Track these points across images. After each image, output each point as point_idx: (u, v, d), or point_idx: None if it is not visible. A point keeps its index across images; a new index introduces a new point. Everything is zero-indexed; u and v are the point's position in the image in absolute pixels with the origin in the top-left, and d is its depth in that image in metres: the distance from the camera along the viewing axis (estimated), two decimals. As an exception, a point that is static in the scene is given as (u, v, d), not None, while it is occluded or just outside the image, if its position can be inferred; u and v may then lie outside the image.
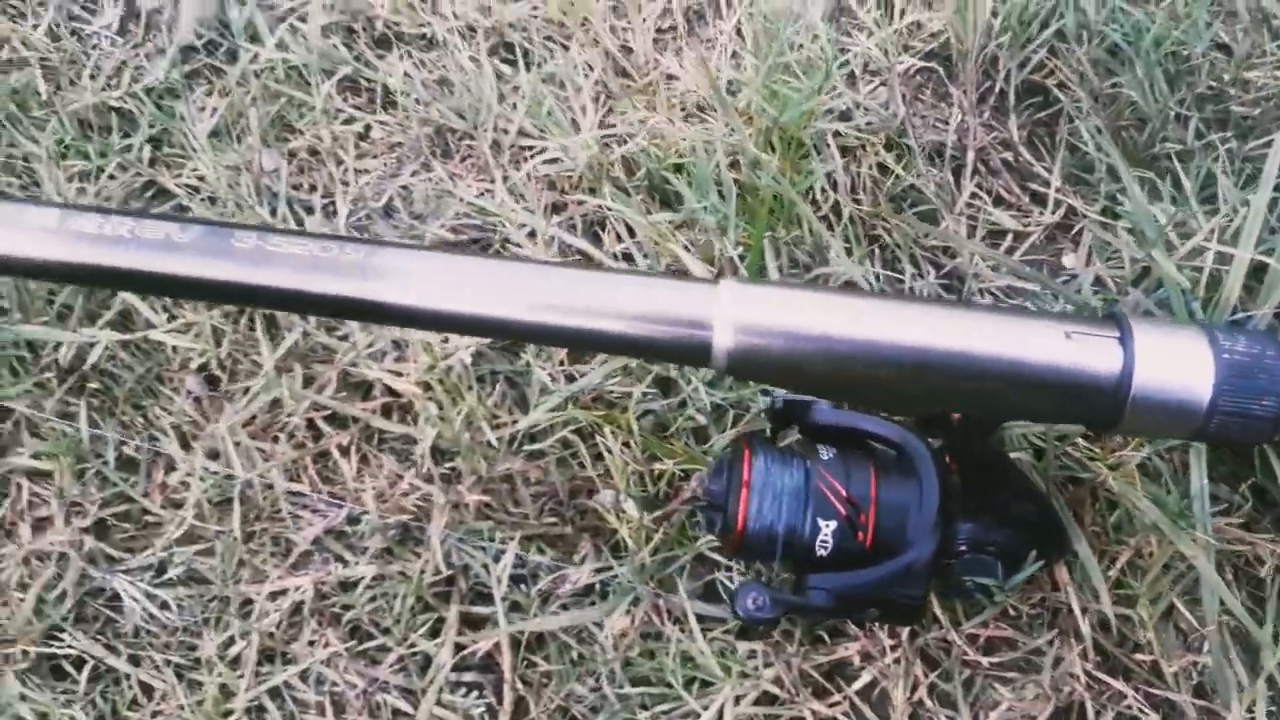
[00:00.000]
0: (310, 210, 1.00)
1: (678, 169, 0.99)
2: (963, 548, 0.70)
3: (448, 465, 0.89)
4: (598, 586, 0.84)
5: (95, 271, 0.59)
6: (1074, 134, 1.03)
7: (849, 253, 0.94)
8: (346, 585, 0.85)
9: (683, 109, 1.04)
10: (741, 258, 0.93)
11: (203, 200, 1.01)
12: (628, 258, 0.97)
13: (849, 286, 0.92)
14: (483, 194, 1.01)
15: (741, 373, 0.57)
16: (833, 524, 0.67)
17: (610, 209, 0.97)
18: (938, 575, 0.68)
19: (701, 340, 0.56)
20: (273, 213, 0.99)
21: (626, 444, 0.86)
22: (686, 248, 0.93)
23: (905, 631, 0.79)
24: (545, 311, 0.56)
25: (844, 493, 0.68)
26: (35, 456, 0.89)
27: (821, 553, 0.67)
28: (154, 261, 0.58)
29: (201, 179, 1.01)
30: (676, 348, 0.57)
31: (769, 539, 0.68)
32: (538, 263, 0.57)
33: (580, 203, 0.99)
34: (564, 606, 0.84)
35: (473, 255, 0.58)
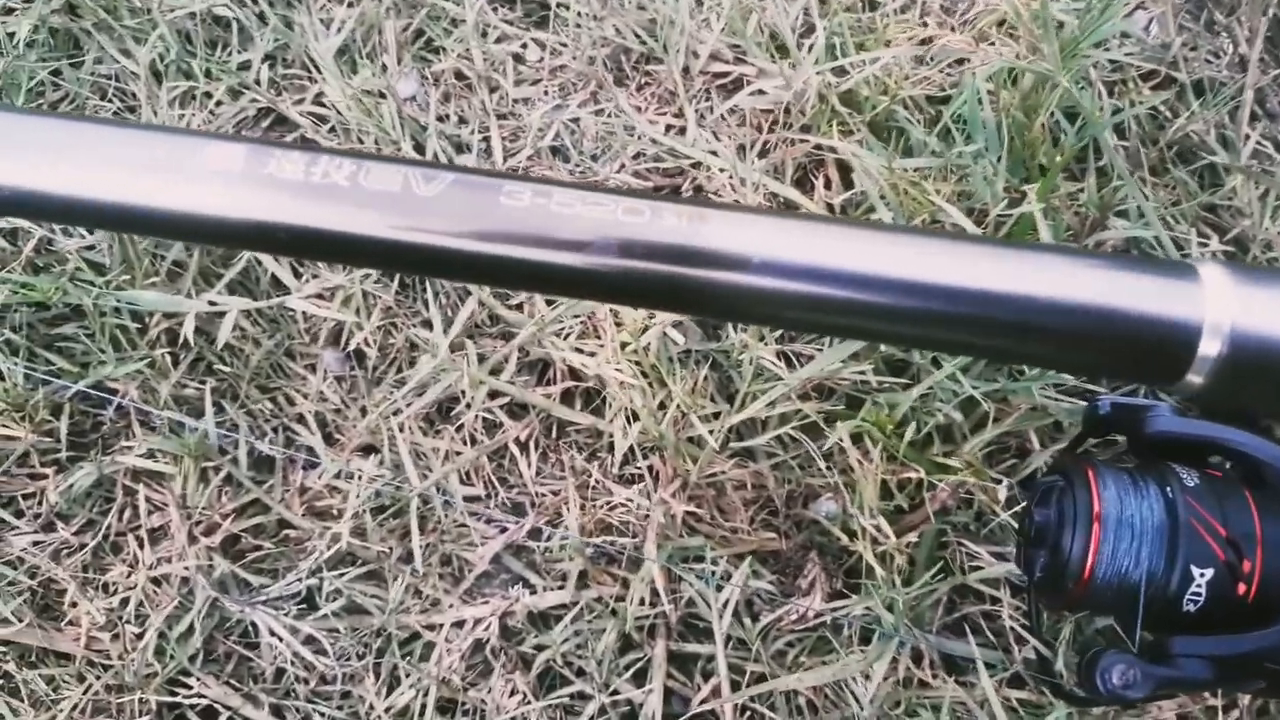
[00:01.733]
0: (463, 148, 0.82)
1: (900, 103, 0.81)
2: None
3: (641, 464, 0.72)
4: (829, 620, 0.69)
5: (303, 236, 0.41)
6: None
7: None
8: (533, 616, 0.69)
9: (913, 30, 0.85)
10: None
11: (330, 131, 0.82)
12: (844, 210, 0.80)
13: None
14: (669, 130, 0.83)
15: (1221, 395, 0.40)
16: (1209, 571, 0.52)
17: (837, 151, 0.78)
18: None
19: (1178, 347, 0.39)
20: (418, 149, 0.81)
21: (855, 438, 0.70)
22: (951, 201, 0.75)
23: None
24: (961, 305, 0.39)
25: (1223, 531, 0.53)
26: (149, 455, 0.71)
27: (1189, 608, 0.52)
28: (388, 224, 0.41)
29: (334, 107, 0.81)
30: (1136, 356, 0.40)
31: (1123, 590, 0.53)
32: (933, 236, 0.40)
33: (791, 143, 0.81)
34: (789, 644, 0.69)
35: (839, 223, 0.40)
